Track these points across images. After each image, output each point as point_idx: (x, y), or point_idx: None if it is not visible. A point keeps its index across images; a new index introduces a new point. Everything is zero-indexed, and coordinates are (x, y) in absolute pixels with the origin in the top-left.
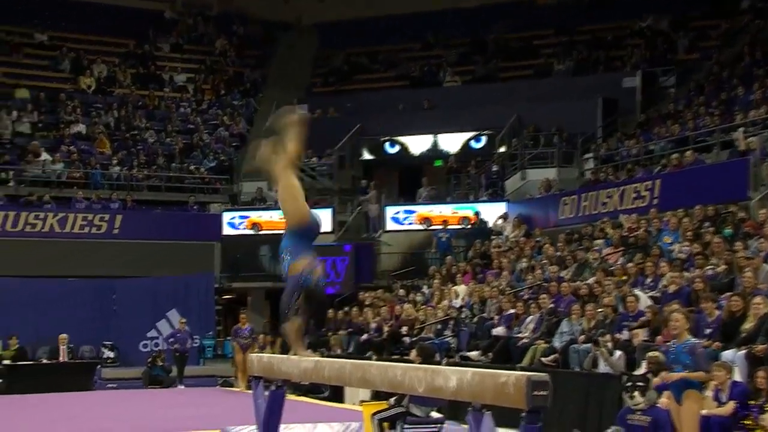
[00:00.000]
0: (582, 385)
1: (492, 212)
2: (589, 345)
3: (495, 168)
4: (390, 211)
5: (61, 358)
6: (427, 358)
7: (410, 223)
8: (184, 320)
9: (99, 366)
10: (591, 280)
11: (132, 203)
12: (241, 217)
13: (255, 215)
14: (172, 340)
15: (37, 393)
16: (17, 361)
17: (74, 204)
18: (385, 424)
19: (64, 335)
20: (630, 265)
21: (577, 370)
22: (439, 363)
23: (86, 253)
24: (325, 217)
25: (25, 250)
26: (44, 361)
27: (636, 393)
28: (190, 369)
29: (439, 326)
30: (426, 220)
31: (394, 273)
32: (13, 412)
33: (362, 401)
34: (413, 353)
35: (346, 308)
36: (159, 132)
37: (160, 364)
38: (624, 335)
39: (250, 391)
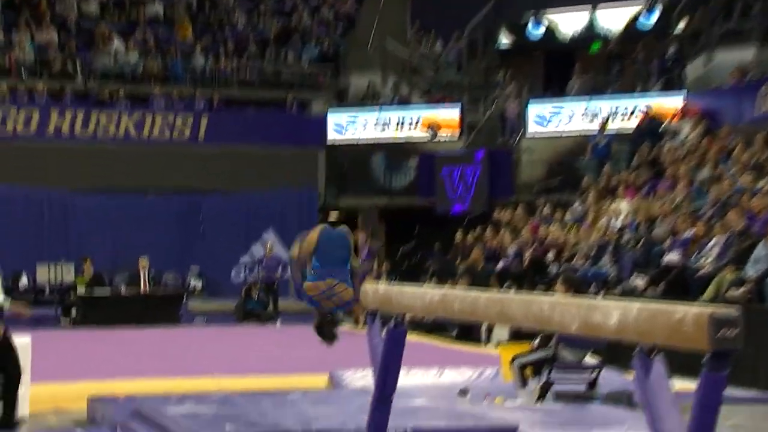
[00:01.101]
0: None
1: (665, 107)
2: None
3: (671, 50)
4: (533, 109)
5: (141, 287)
6: (576, 290)
7: (558, 125)
8: (271, 244)
9: (185, 297)
10: None
11: (219, 102)
12: (351, 118)
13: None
14: (258, 269)
15: (116, 326)
16: (92, 288)
17: (152, 103)
18: (528, 371)
19: (145, 260)
20: None
21: None
22: (593, 297)
23: (167, 163)
24: (451, 117)
25: (96, 157)
26: (123, 289)
27: None
28: (289, 304)
29: (594, 252)
30: (577, 118)
31: (538, 186)
32: (90, 346)
33: (499, 343)
34: (558, 284)
35: (478, 230)
36: (250, 13)
37: (256, 295)
38: None
39: (365, 330)
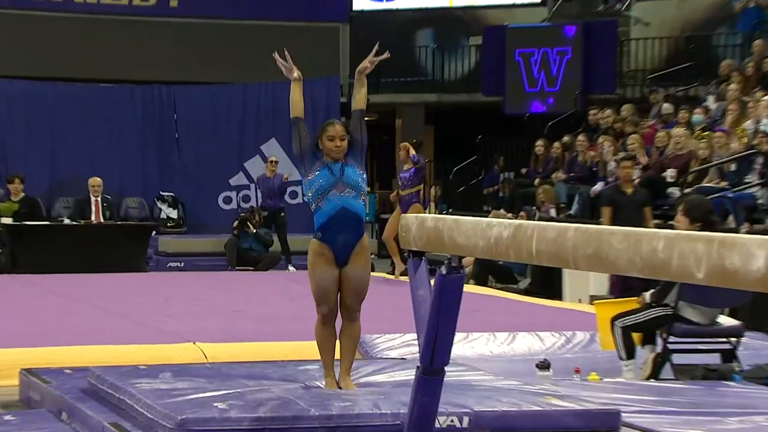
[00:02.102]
0: None
1: None
2: None
3: None
4: None
5: (93, 218)
6: (706, 223)
7: None
8: (275, 158)
9: (154, 232)
10: None
11: None
12: None
13: None
14: (257, 193)
15: (57, 271)
16: (24, 219)
17: None
18: (636, 336)
19: (97, 179)
20: None
21: None
22: (730, 231)
23: (125, 40)
24: None
25: (24, 29)
26: (66, 221)
27: None
28: (302, 240)
29: (734, 167)
30: None
31: (654, 74)
32: (22, 300)
33: (593, 298)
34: (680, 214)
35: (566, 138)
36: None
37: (254, 230)
38: None
39: (405, 278)
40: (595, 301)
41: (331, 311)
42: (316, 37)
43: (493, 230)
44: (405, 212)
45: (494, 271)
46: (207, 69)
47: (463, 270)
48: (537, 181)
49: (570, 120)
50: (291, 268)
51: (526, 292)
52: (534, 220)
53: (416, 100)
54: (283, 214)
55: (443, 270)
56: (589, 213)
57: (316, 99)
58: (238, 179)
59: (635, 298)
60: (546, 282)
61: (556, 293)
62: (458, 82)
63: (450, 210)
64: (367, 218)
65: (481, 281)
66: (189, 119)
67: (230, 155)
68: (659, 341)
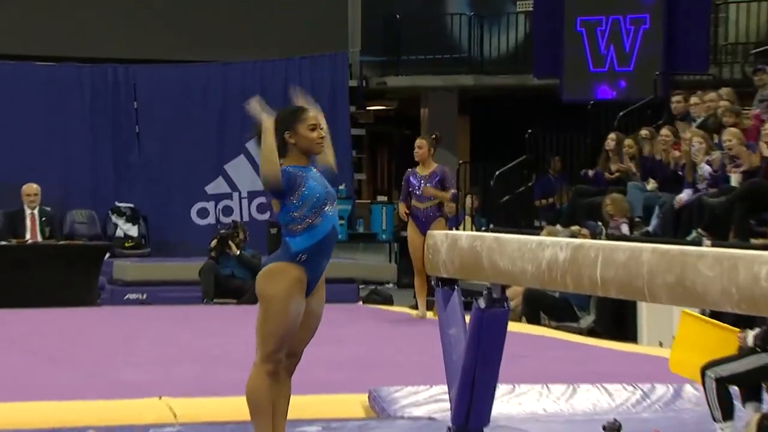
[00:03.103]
0: None
1: None
2: None
3: None
4: None
5: (28, 236)
6: None
7: None
8: None
9: (108, 254)
10: None
11: None
12: None
13: None
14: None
15: None
16: None
17: None
18: (732, 390)
19: (33, 186)
20: None
21: None
22: None
23: (71, 8)
24: None
25: None
26: None
27: None
28: None
29: None
30: None
31: (759, 47)
32: None
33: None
34: None
35: (644, 132)
36: None
37: (237, 252)
38: None
39: (432, 315)
40: (684, 310)
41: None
42: (320, 5)
43: (545, 252)
44: (426, 231)
45: (548, 305)
46: (177, 43)
47: (508, 303)
48: (607, 190)
49: (648, 109)
50: None
51: (589, 332)
52: (600, 238)
53: (447, 84)
54: (279, 230)
55: (482, 303)
56: (673, 230)
57: (318, 81)
58: (217, 186)
59: (736, 330)
60: (616, 319)
61: (629, 334)
62: (501, 60)
63: (491, 226)
64: (384, 236)
65: (532, 318)
66: (153, 108)
67: (207, 155)
68: (766, 397)
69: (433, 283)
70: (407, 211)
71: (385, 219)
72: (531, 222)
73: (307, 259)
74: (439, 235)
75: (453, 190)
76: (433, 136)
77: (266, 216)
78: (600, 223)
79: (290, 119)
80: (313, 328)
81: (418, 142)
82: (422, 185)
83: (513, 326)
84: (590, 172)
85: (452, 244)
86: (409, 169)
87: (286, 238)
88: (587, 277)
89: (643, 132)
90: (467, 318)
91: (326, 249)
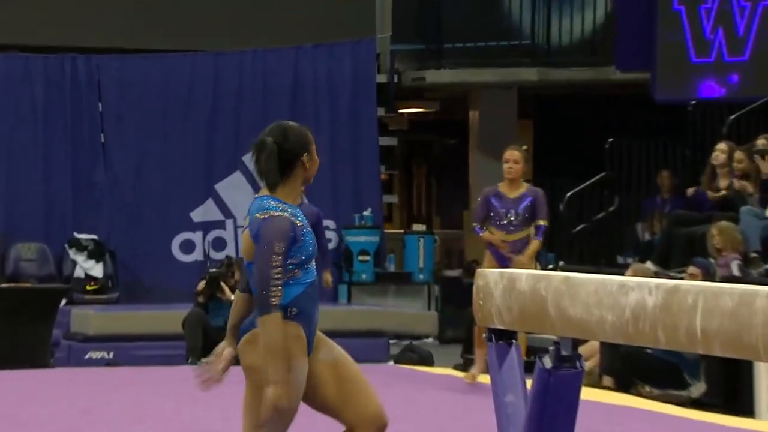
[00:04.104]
0: None
1: None
2: None
3: None
4: None
5: None
6: None
7: None
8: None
9: (64, 300)
10: None
11: None
12: None
13: None
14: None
15: None
16: None
17: None
18: None
19: None
20: None
21: None
22: None
23: None
24: None
25: None
26: None
27: None
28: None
29: None
30: None
31: None
32: None
33: None
34: None
35: (763, 142)
36: None
37: (231, 297)
38: None
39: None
40: None
41: None
42: None
43: (629, 296)
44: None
45: (644, 368)
46: (154, 29)
47: (582, 362)
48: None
49: (767, 112)
50: None
51: (697, 403)
52: (714, 279)
53: (504, 79)
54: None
55: (547, 362)
56: None
57: (337, 75)
58: (206, 212)
59: None
60: (730, 386)
61: (745, 406)
62: (574, 49)
63: (560, 263)
64: (421, 276)
65: (624, 383)
66: (123, 110)
67: (193, 172)
68: None
69: (484, 336)
70: (491, 240)
71: (423, 254)
72: (613, 258)
73: (298, 313)
74: (491, 274)
75: (543, 222)
76: (525, 147)
77: None
78: (712, 260)
79: (307, 139)
80: (354, 380)
81: (509, 153)
82: (509, 212)
83: (597, 394)
84: (690, 192)
85: (509, 286)
86: (489, 188)
87: None
88: (684, 329)
89: (761, 141)
90: (528, 382)
91: (315, 294)
